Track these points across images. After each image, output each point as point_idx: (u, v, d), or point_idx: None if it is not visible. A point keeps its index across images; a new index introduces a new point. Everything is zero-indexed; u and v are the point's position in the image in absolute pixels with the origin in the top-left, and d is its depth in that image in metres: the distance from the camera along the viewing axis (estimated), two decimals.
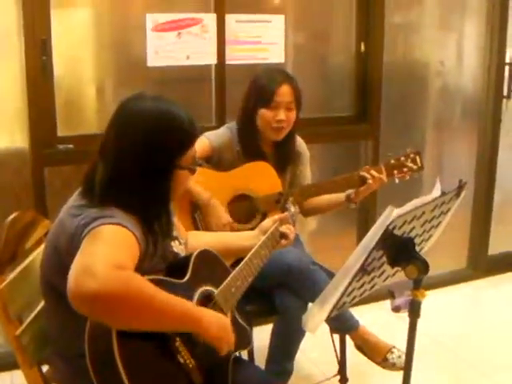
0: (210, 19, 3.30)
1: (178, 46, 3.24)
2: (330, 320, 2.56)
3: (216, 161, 2.78)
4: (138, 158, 1.71)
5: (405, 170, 2.84)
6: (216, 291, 1.85)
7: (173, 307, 1.58)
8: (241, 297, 2.52)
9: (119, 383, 1.51)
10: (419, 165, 2.86)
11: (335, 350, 2.94)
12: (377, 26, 3.73)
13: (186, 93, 3.36)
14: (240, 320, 1.98)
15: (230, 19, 3.35)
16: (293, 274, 2.62)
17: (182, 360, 1.67)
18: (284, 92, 2.72)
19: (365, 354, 2.82)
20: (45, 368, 2.02)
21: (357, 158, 3.93)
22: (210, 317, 1.69)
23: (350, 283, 1.72)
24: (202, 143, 2.72)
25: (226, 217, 2.70)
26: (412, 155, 2.86)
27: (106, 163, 1.74)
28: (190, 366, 1.69)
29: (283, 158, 2.88)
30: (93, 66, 3.26)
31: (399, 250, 1.77)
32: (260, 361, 2.71)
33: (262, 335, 2.77)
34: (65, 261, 1.58)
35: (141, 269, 1.61)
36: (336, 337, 2.91)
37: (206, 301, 1.81)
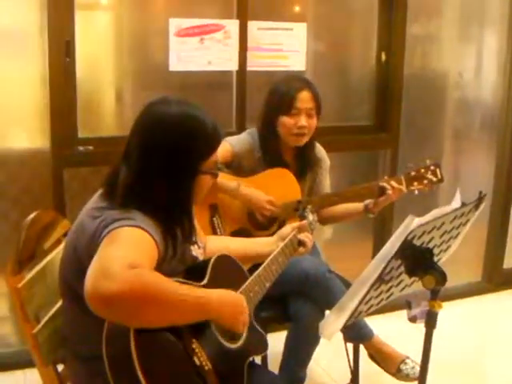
0: (233, 25, 3.32)
1: (200, 52, 3.26)
2: (345, 329, 2.56)
3: (236, 166, 2.79)
4: (161, 162, 1.73)
5: (425, 182, 2.82)
6: None
7: (190, 296, 1.58)
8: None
9: (135, 382, 1.51)
10: (439, 177, 2.84)
11: (348, 359, 2.93)
12: (398, 36, 3.73)
13: (207, 98, 3.37)
14: (257, 325, 1.98)
15: (252, 26, 3.37)
16: (309, 281, 2.62)
17: (198, 362, 1.67)
18: (304, 98, 2.72)
19: (378, 363, 2.81)
20: (60, 367, 2.03)
21: (375, 168, 3.93)
22: (227, 300, 1.71)
23: (368, 292, 1.72)
24: (224, 148, 2.70)
25: (262, 197, 2.71)
26: (432, 167, 2.84)
27: (129, 166, 1.75)
28: (206, 368, 1.69)
29: (303, 164, 2.88)
30: (114, 69, 3.28)
31: (417, 259, 1.77)
32: (273, 368, 2.70)
33: (275, 342, 2.76)
34: (84, 262, 1.59)
35: (159, 272, 1.61)
36: (349, 345, 2.90)
37: None
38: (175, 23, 3.18)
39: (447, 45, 3.99)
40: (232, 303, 1.73)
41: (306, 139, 2.78)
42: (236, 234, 2.72)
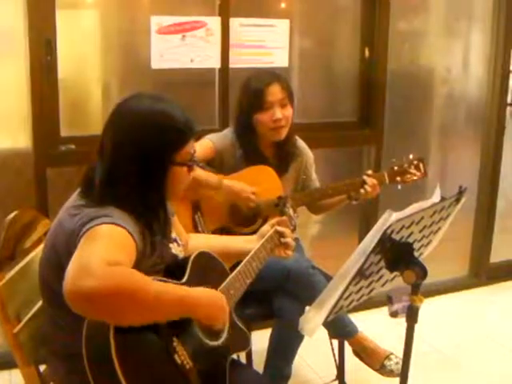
0: (215, 23, 3.30)
1: (183, 49, 3.24)
2: (328, 325, 2.56)
3: (218, 163, 2.78)
4: (133, 156, 1.73)
5: (408, 176, 2.84)
6: None
7: (171, 294, 1.58)
8: (239, 301, 2.56)
9: (115, 382, 1.51)
10: (422, 172, 2.86)
11: (334, 355, 2.93)
12: (381, 32, 3.73)
13: (189, 95, 3.37)
14: (238, 322, 1.97)
15: (235, 23, 3.35)
16: (291, 277, 2.62)
17: (179, 361, 1.67)
18: (274, 91, 2.72)
19: (362, 360, 2.82)
20: (42, 368, 2.02)
21: (360, 164, 3.93)
22: (207, 297, 1.71)
23: (347, 287, 1.72)
24: (206, 145, 2.74)
25: (246, 187, 2.69)
26: (415, 162, 2.85)
27: (103, 163, 1.76)
28: (187, 367, 1.69)
29: (284, 158, 2.88)
30: (97, 67, 3.26)
31: (397, 254, 1.76)
32: (258, 365, 2.71)
33: (260, 339, 2.76)
34: (62, 260, 1.59)
35: (138, 269, 1.60)
36: (335, 342, 2.90)
37: None
38: (156, 20, 3.16)
39: (433, 41, 3.99)
40: (212, 301, 1.73)
41: (285, 131, 2.78)
42: (218, 231, 2.71)
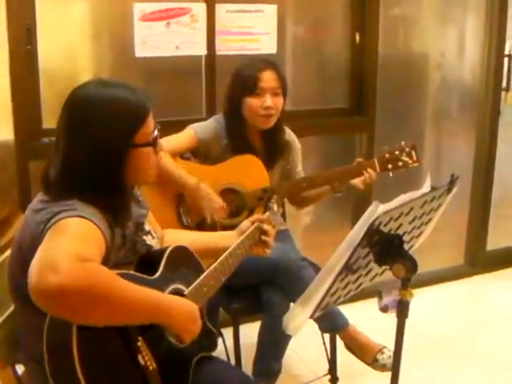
0: (200, 9, 3.21)
1: (167, 36, 3.16)
2: (318, 319, 2.49)
3: (203, 154, 2.73)
4: (84, 145, 1.68)
5: (399, 164, 2.77)
6: (187, 290, 1.79)
7: (141, 299, 1.53)
8: (227, 293, 2.49)
9: (73, 377, 1.47)
10: (414, 159, 2.79)
11: (326, 350, 2.87)
12: (372, 17, 3.66)
13: (175, 84, 3.31)
14: (207, 322, 1.90)
15: (221, 9, 3.27)
16: (280, 270, 2.56)
17: (142, 361, 1.61)
18: (268, 77, 2.66)
19: (354, 353, 2.75)
20: (20, 368, 1.95)
21: (351, 152, 3.85)
22: (180, 307, 1.66)
23: (332, 283, 1.65)
24: (188, 134, 2.69)
25: (218, 200, 2.62)
26: (407, 149, 2.78)
27: (58, 155, 1.71)
28: (151, 368, 1.63)
29: (273, 149, 2.81)
30: (80, 57, 3.18)
31: (386, 247, 1.71)
32: (248, 359, 2.67)
33: (249, 333, 2.70)
34: (29, 259, 1.51)
35: (107, 261, 1.59)
36: (326, 336, 2.83)
37: None
38: (140, 8, 3.08)
39: (427, 25, 3.93)
40: (184, 312, 1.67)
41: (273, 120, 2.71)
42: (202, 224, 2.64)
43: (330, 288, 1.65)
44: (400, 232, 1.76)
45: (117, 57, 3.24)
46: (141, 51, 3.14)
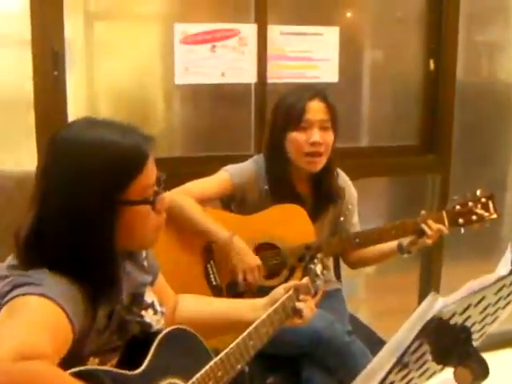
0: (250, 30, 3.02)
1: (212, 62, 2.97)
2: None
3: (239, 201, 2.43)
4: (60, 198, 1.41)
5: (473, 218, 2.40)
6: None
7: None
8: (261, 366, 2.20)
9: None
10: (492, 212, 2.43)
11: None
12: (449, 41, 3.41)
13: (220, 116, 3.12)
14: None
15: (273, 30, 3.06)
16: (322, 345, 2.20)
17: None
18: (315, 108, 2.35)
19: None
20: None
21: (422, 196, 3.56)
22: None
23: None
24: (222, 178, 2.40)
25: (254, 259, 2.29)
26: (483, 199, 2.43)
27: (31, 212, 1.43)
28: None
29: (322, 196, 2.47)
30: (112, 83, 3.01)
31: (447, 342, 1.34)
32: None
33: None
34: None
35: (83, 349, 1.37)
36: None
37: None
38: (181, 29, 2.89)
39: None
40: None
41: (322, 161, 2.37)
42: (233, 284, 2.31)
43: None
44: (468, 324, 1.38)
45: (154, 84, 3.08)
46: (181, 78, 2.95)
